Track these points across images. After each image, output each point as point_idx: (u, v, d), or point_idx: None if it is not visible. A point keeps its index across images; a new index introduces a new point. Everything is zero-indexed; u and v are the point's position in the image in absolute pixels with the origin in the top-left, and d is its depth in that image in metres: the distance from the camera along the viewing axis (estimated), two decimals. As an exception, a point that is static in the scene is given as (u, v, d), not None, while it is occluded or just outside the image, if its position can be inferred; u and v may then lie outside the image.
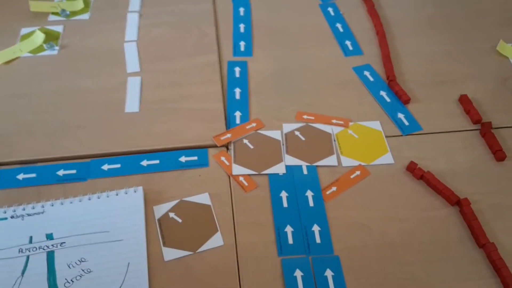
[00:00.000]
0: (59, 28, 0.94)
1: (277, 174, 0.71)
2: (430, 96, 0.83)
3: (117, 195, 0.66)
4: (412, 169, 0.71)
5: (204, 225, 0.65)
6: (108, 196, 0.66)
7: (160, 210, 0.66)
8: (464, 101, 0.81)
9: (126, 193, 0.66)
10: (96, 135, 0.75)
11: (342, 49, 0.91)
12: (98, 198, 0.65)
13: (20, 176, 0.69)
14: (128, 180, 0.70)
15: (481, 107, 0.80)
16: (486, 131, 0.76)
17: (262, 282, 0.60)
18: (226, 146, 0.75)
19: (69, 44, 0.91)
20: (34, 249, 0.60)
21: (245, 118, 0.79)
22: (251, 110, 0.80)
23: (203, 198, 0.68)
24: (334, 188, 0.70)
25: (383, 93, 0.83)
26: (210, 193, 0.69)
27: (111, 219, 0.64)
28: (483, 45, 0.92)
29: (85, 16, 0.97)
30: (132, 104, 0.79)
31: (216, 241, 0.63)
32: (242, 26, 0.95)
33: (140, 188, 0.67)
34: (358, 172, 0.72)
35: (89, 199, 0.65)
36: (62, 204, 0.65)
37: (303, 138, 0.76)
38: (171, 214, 0.65)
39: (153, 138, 0.75)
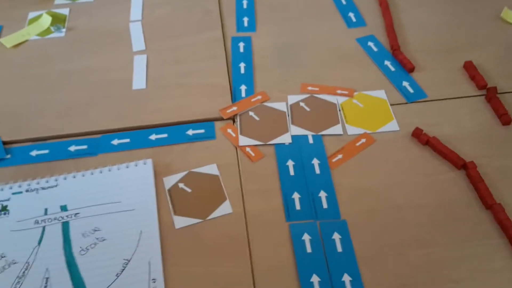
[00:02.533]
0: (65, 11, 0.95)
1: (283, 144, 0.72)
2: (434, 65, 0.83)
3: (127, 167, 0.67)
4: (418, 135, 0.72)
5: (212, 194, 0.66)
6: (118, 169, 0.67)
7: (169, 181, 0.67)
8: (469, 68, 0.81)
9: (136, 166, 0.67)
10: (105, 112, 0.77)
11: (345, 21, 0.91)
12: (109, 171, 0.67)
13: (34, 153, 0.71)
14: (137, 154, 0.71)
15: (486, 73, 0.81)
16: (492, 96, 0.77)
17: (271, 247, 0.61)
18: (233, 119, 0.76)
19: (75, 26, 0.92)
20: (50, 220, 0.62)
21: (250, 92, 0.80)
22: (256, 84, 0.81)
23: (211, 169, 0.69)
24: (340, 156, 0.71)
25: (387, 63, 0.83)
26: (218, 164, 0.70)
27: (122, 190, 0.65)
28: (487, 12, 0.92)
29: (89, -1, 0.98)
30: (139, 81, 0.81)
31: (225, 209, 0.65)
32: (245, 2, 0.95)
33: (150, 160, 0.68)
34: (363, 140, 0.73)
35: (101, 172, 0.67)
36: (74, 177, 0.67)
37: (308, 109, 0.77)
38: (181, 185, 0.67)
39: (160, 113, 0.76)
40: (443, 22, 0.91)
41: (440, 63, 0.83)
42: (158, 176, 0.68)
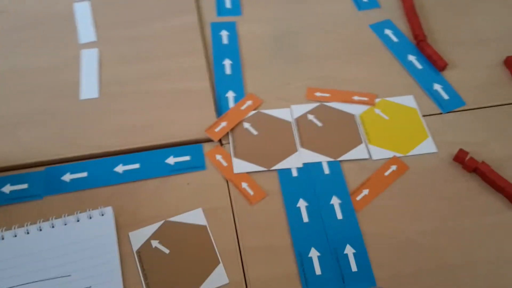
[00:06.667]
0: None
1: (291, 175, 0.54)
2: (470, 59, 0.66)
3: (78, 221, 0.48)
4: (462, 159, 0.55)
5: (200, 255, 0.48)
6: (65, 224, 0.47)
7: (138, 237, 0.48)
8: (512, 64, 0.64)
9: (91, 218, 0.48)
10: (43, 133, 0.56)
11: (355, 1, 0.72)
12: (53, 227, 0.47)
13: None
14: (96, 195, 0.51)
15: (532, 70, 0.64)
16: (546, 102, 0.60)
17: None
18: (220, 140, 0.57)
19: (4, 9, 0.69)
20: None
21: (240, 99, 0.60)
22: (247, 88, 0.62)
23: (196, 216, 0.50)
24: (365, 192, 0.53)
25: (411, 58, 0.65)
26: (204, 208, 0.51)
27: (72, 258, 0.46)
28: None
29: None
30: (89, 87, 0.60)
31: (218, 278, 0.47)
32: (226, -26, 0.74)
33: (109, 210, 0.49)
34: (394, 167, 0.55)
35: (40, 230, 0.47)
36: (2, 239, 0.47)
37: (319, 124, 0.58)
38: (154, 243, 0.48)
39: (124, 134, 0.56)
40: (477, 1, 0.73)
41: (476, 57, 0.66)
42: (123, 229, 0.49)
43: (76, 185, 0.52)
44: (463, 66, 0.65)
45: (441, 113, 0.60)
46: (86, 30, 0.66)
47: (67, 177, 0.53)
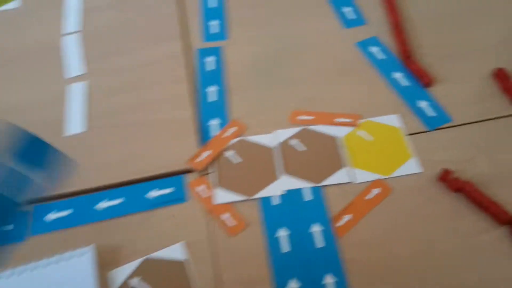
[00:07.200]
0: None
1: (272, 203, 0.54)
2: (456, 73, 0.65)
3: (58, 263, 0.49)
4: (446, 178, 0.54)
5: (180, 291, 0.48)
6: (46, 266, 0.48)
7: (118, 276, 0.49)
8: (501, 76, 0.63)
9: (70, 259, 0.49)
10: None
11: (341, 19, 0.71)
12: (32, 271, 0.48)
13: None
14: (76, 235, 0.53)
15: (523, 81, 0.62)
16: (536, 116, 0.59)
17: None
18: (204, 169, 0.58)
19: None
20: None
21: (224, 126, 0.61)
22: (232, 114, 0.62)
23: (176, 251, 0.51)
24: (347, 217, 0.53)
25: (397, 75, 0.65)
26: (186, 241, 0.52)
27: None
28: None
29: (13, 4, 0.76)
30: (75, 122, 0.61)
31: (198, 312, 0.47)
32: (211, -1, 0.75)
33: (91, 249, 0.50)
34: (376, 190, 0.55)
35: (20, 274, 0.48)
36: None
37: (302, 149, 0.58)
38: (134, 282, 0.49)
39: (109, 169, 0.57)
40: (464, 12, 0.72)
41: (463, 70, 0.65)
42: (104, 268, 0.50)
43: (59, 224, 0.53)
44: (451, 81, 0.64)
45: (427, 131, 0.60)
46: (74, 64, 0.67)
47: (50, 216, 0.54)
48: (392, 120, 0.60)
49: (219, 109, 0.62)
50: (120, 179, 0.57)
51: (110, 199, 0.55)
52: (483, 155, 0.57)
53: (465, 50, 0.67)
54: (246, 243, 0.52)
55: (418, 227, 0.52)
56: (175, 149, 0.58)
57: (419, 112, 0.61)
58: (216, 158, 0.58)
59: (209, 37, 0.70)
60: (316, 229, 0.52)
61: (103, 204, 0.55)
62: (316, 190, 0.55)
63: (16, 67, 0.68)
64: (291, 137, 0.59)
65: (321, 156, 0.57)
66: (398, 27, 0.68)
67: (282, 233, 0.52)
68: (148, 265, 0.50)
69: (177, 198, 0.55)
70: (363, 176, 0.56)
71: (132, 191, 0.56)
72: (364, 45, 0.68)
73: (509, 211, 0.52)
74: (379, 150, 0.58)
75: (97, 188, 0.56)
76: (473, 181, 0.54)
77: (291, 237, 0.52)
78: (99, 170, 0.57)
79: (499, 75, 0.63)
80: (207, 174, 0.57)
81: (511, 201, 0.53)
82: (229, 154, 0.58)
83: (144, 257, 0.50)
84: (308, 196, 0.54)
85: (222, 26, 0.71)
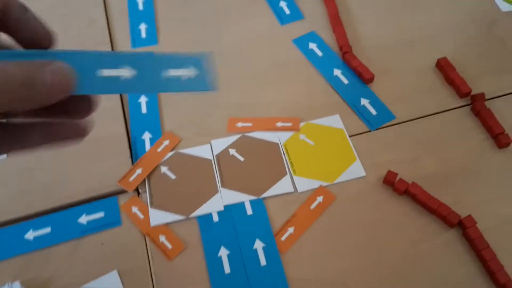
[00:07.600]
0: None
1: (211, 221, 0.51)
2: (398, 65, 0.63)
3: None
4: (391, 181, 0.53)
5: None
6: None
7: (47, 316, 0.46)
8: (444, 67, 0.61)
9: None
10: None
11: (277, 15, 0.68)
12: None
13: None
14: (2, 269, 0.49)
15: (465, 70, 0.61)
16: (480, 107, 0.57)
17: None
18: (137, 189, 0.54)
19: None
20: None
21: (157, 139, 0.57)
22: (164, 126, 0.58)
23: (110, 280, 0.47)
24: (291, 230, 0.51)
25: (337, 72, 0.62)
26: (120, 269, 0.48)
27: None
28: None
29: None
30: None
31: None
32: (140, 1, 0.70)
33: (16, 285, 0.46)
34: (320, 199, 0.53)
35: None
36: None
37: (241, 159, 0.55)
38: (65, 319, 0.45)
39: (33, 193, 0.53)
40: (403, 0, 0.69)
41: (405, 61, 0.63)
42: (32, 305, 0.46)
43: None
44: (393, 74, 0.62)
45: (369, 131, 0.57)
46: None
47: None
48: (334, 121, 0.58)
49: (151, 122, 0.58)
50: (48, 206, 0.52)
51: (37, 228, 0.51)
52: (429, 154, 0.56)
53: (405, 38, 0.65)
54: (185, 266, 0.49)
55: (364, 236, 0.50)
56: (107, 168, 0.55)
57: (361, 111, 0.59)
58: (150, 176, 0.54)
59: (138, 42, 0.66)
60: (258, 245, 0.49)
61: (31, 234, 0.50)
62: (257, 203, 0.52)
63: None
64: (229, 146, 0.56)
65: (262, 165, 0.55)
66: (336, 19, 0.65)
67: (223, 252, 0.49)
68: (79, 301, 0.46)
69: (111, 222, 0.51)
70: (305, 184, 0.53)
71: (61, 217, 0.52)
72: (301, 41, 0.65)
73: (457, 213, 0.50)
74: (322, 155, 0.56)
75: (23, 217, 0.52)
76: (420, 182, 0.52)
77: (232, 256, 0.49)
78: (24, 197, 0.53)
79: (443, 65, 0.61)
80: (141, 193, 0.53)
81: (461, 200, 0.51)
82: (164, 170, 0.55)
83: (74, 293, 0.47)
84: (249, 211, 0.52)
85: (152, 29, 0.67)
